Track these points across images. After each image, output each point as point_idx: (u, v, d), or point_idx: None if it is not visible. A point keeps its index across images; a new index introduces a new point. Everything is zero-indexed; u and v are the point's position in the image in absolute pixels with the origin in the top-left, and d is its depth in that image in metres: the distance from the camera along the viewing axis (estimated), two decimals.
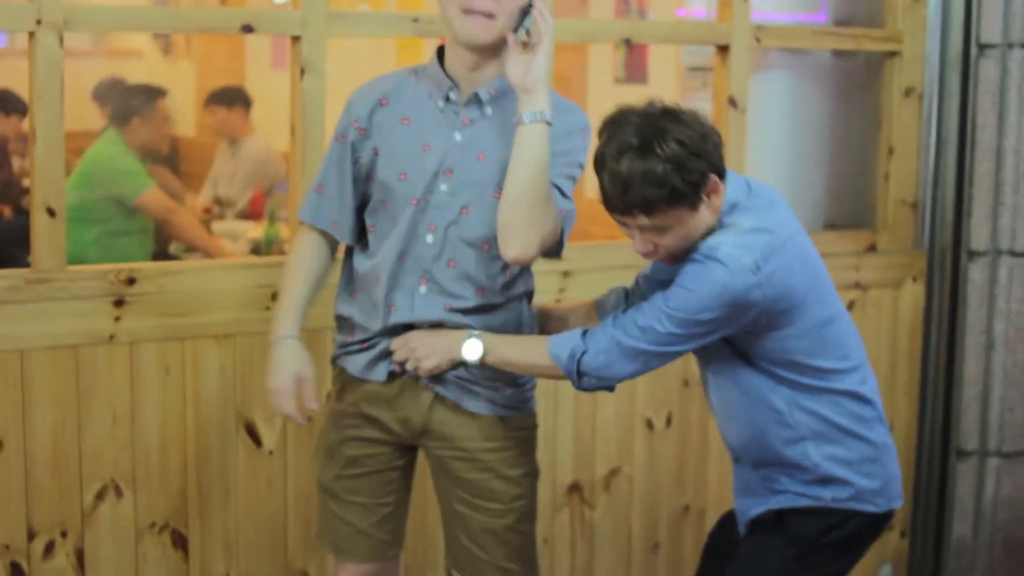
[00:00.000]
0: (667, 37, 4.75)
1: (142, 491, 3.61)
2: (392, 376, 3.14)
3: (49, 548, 3.53)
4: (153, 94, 6.03)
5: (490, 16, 2.94)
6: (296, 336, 3.16)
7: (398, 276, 3.07)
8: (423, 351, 3.05)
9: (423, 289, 3.07)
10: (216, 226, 6.74)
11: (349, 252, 3.22)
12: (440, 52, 3.10)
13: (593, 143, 3.00)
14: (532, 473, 3.25)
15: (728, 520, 3.32)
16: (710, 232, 2.93)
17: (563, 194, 2.98)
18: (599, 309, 3.30)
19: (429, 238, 3.05)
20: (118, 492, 3.59)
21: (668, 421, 4.36)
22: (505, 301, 3.12)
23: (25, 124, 6.26)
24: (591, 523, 4.27)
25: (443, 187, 3.04)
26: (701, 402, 4.35)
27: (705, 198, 2.88)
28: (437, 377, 3.10)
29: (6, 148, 7.14)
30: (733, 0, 4.28)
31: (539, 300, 3.35)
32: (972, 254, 4.67)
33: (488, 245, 3.03)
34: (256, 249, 6.18)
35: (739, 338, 2.96)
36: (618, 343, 2.94)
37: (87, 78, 7.38)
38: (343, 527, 3.27)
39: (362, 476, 3.22)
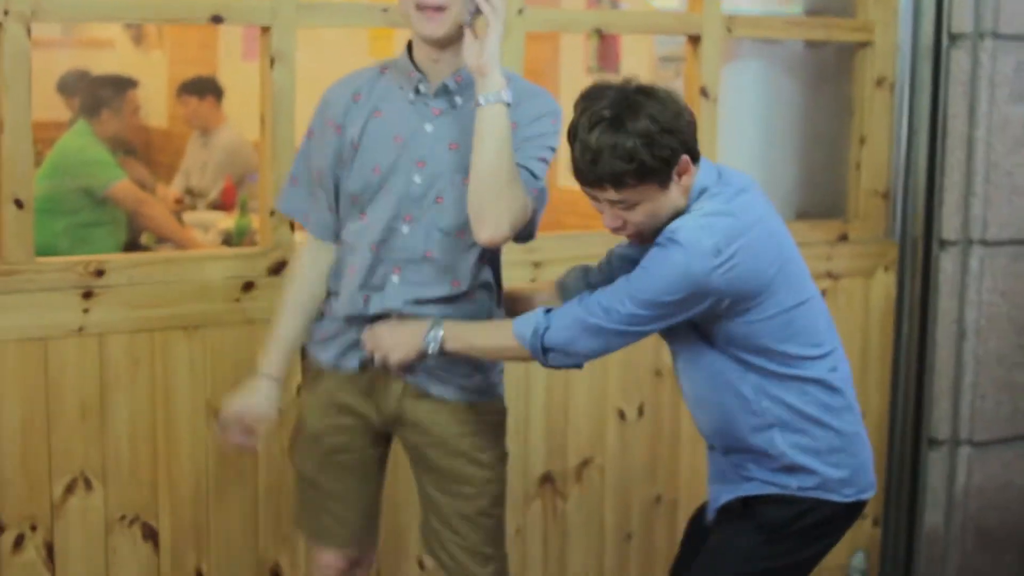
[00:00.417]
0: (639, 27, 4.75)
1: (112, 484, 3.60)
2: (363, 366, 3.15)
3: (18, 542, 3.51)
4: (123, 85, 6.00)
5: (440, 9, 2.98)
6: (272, 376, 3.22)
7: (374, 267, 3.09)
8: (388, 345, 3.07)
9: (395, 279, 3.08)
10: (188, 217, 6.71)
11: None
12: (410, 46, 3.11)
13: (567, 121, 3.00)
14: (502, 458, 3.27)
15: (704, 509, 3.32)
16: (678, 215, 2.94)
17: (533, 175, 2.99)
18: (560, 289, 3.31)
19: (405, 229, 3.06)
20: (88, 485, 3.57)
21: (640, 411, 4.36)
22: (475, 289, 3.12)
23: None
24: (563, 514, 4.27)
25: (416, 179, 3.05)
26: (673, 392, 4.35)
27: (676, 177, 2.89)
28: (407, 367, 3.11)
29: None
30: None
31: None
32: (943, 243, 4.68)
33: (463, 233, 3.04)
34: (228, 240, 6.16)
35: (708, 323, 2.97)
36: (581, 320, 2.94)
37: (58, 68, 7.34)
38: (324, 515, 3.28)
39: (342, 465, 3.25)
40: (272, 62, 3.68)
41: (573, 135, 2.89)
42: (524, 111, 3.01)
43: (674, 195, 2.91)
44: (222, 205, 7.02)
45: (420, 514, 3.30)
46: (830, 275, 4.64)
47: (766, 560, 3.09)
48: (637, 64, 6.24)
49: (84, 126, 5.73)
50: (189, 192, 7.27)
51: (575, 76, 6.58)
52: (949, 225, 4.66)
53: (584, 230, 4.20)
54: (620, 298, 2.91)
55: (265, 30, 3.68)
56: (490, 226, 2.91)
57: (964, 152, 4.63)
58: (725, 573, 3.10)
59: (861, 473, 3.12)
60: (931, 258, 4.72)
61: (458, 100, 3.07)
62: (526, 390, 4.09)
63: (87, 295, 3.51)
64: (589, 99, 2.90)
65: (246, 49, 8.68)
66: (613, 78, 2.95)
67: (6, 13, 3.35)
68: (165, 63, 9.36)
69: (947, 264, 4.68)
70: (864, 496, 3.12)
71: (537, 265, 4.07)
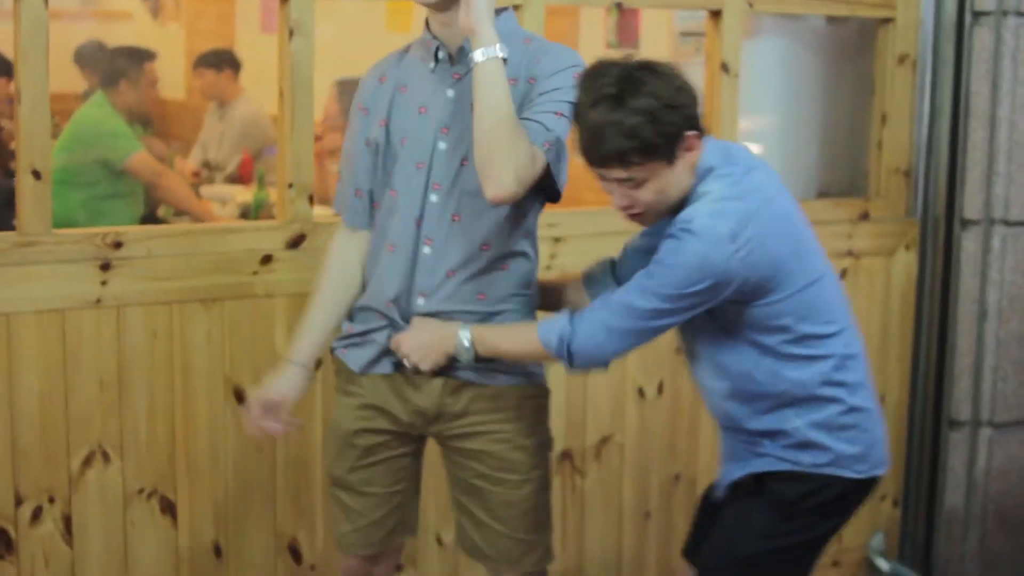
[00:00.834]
0: (660, 1, 4.72)
1: (130, 457, 3.59)
2: (397, 366, 3.14)
3: (36, 514, 3.50)
4: (141, 56, 5.99)
5: None
6: (297, 362, 3.21)
7: (405, 241, 3.06)
8: (418, 355, 3.05)
9: (427, 250, 3.05)
10: (205, 190, 6.70)
11: None
12: (428, 21, 3.10)
13: None
14: (547, 443, 3.25)
15: (714, 489, 3.31)
16: (685, 200, 2.92)
17: (545, 127, 2.93)
18: (587, 281, 3.28)
19: (434, 198, 3.04)
20: (106, 458, 3.56)
21: (660, 389, 4.34)
22: (508, 257, 3.08)
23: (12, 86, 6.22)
24: (582, 491, 4.26)
25: (442, 145, 3.04)
26: None
27: (682, 153, 2.87)
28: (439, 371, 3.10)
29: None
30: None
31: None
32: (965, 223, 4.65)
33: None
34: (245, 213, 6.14)
35: (724, 309, 2.94)
36: (604, 323, 2.92)
37: (76, 40, 7.32)
38: (356, 519, 3.25)
39: (375, 465, 3.21)
40: (291, 34, 3.66)
41: (576, 116, 2.87)
42: (543, 66, 2.98)
43: (681, 172, 2.89)
44: (239, 178, 7.00)
45: (457, 515, 3.24)
46: (851, 254, 4.61)
47: (780, 537, 3.07)
48: (657, 39, 6.21)
49: (102, 98, 5.71)
50: (206, 165, 7.26)
51: (595, 51, 6.54)
52: (971, 204, 4.63)
53: (603, 206, 4.17)
54: (642, 294, 2.88)
55: (284, 1, 3.65)
56: (494, 181, 2.85)
57: (987, 130, 4.60)
58: (739, 550, 3.08)
59: (874, 449, 3.10)
60: (952, 237, 4.69)
61: None
62: (545, 367, 4.06)
63: (105, 267, 3.49)
64: (591, 78, 2.87)
65: (264, 21, 8.67)
66: (615, 56, 2.92)
67: None
68: (182, 35, 9.33)
69: (969, 243, 4.65)
70: (877, 472, 3.11)
71: (557, 240, 4.05)
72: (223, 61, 7.55)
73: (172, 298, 3.59)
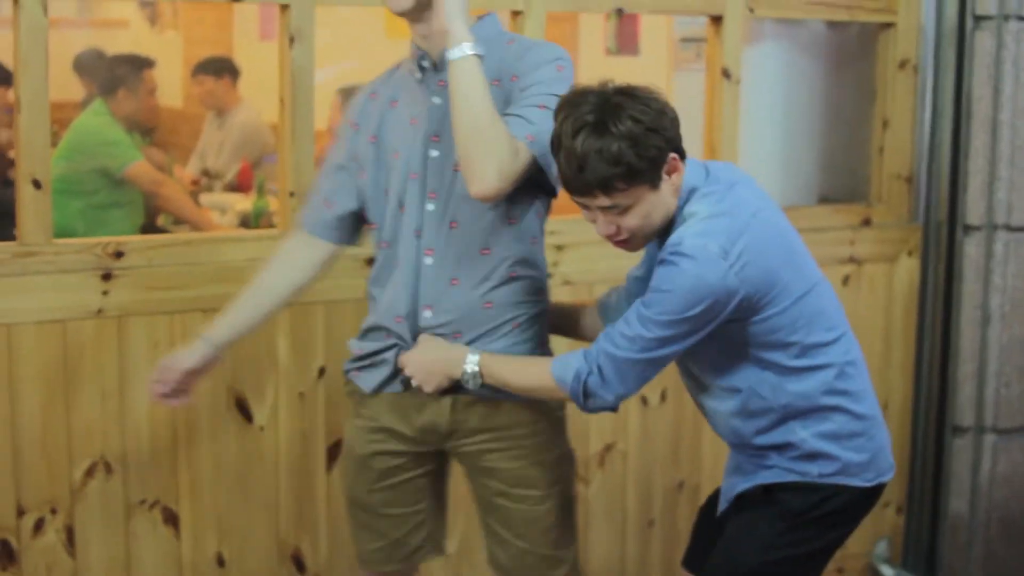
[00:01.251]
0: (660, 7, 4.70)
1: (132, 468, 3.57)
2: (407, 384, 3.11)
3: (39, 525, 3.48)
4: (140, 64, 5.97)
5: None
6: (207, 338, 3.20)
7: (407, 254, 3.04)
8: (420, 377, 3.04)
9: (429, 261, 3.03)
10: (204, 198, 6.69)
11: None
12: None
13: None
14: (566, 456, 3.21)
15: (717, 496, 3.28)
16: (671, 223, 2.89)
17: (528, 121, 2.91)
18: (601, 309, 3.25)
19: (431, 206, 3.02)
20: (108, 469, 3.54)
21: (663, 397, 4.33)
22: (511, 264, 3.05)
23: (10, 94, 6.21)
24: (586, 499, 4.24)
25: (434, 153, 3.02)
26: None
27: (666, 176, 2.84)
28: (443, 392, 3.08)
29: None
30: None
31: None
32: (968, 228, 4.64)
33: None
34: (245, 222, 6.13)
35: (723, 329, 2.90)
36: (611, 357, 2.88)
37: (73, 48, 7.31)
38: (378, 540, 3.23)
39: (393, 487, 3.18)
40: (291, 41, 3.65)
41: (557, 145, 2.83)
42: (525, 63, 2.97)
43: (665, 195, 2.86)
44: (238, 187, 6.99)
45: (485, 533, 3.20)
46: (853, 260, 4.60)
47: (788, 547, 3.05)
48: (656, 45, 6.20)
49: (101, 106, 5.70)
50: (205, 173, 7.24)
51: (594, 58, 6.55)
52: (973, 209, 4.62)
53: None
54: (642, 323, 2.85)
55: (284, 8, 3.65)
56: (477, 178, 2.83)
57: (988, 135, 4.59)
58: (747, 561, 3.06)
59: (880, 455, 3.08)
60: (955, 243, 4.68)
61: None
62: None
63: (106, 277, 3.48)
64: (570, 106, 2.83)
65: (263, 29, 8.66)
66: (591, 83, 2.88)
67: None
68: (180, 43, 9.33)
69: (971, 249, 4.64)
70: (884, 479, 3.09)
71: (559, 248, 4.03)
72: (222, 68, 7.54)
73: (174, 308, 3.57)
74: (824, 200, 4.82)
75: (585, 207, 2.88)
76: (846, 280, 4.55)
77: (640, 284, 3.12)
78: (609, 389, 2.91)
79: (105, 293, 3.48)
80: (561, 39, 6.42)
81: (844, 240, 4.57)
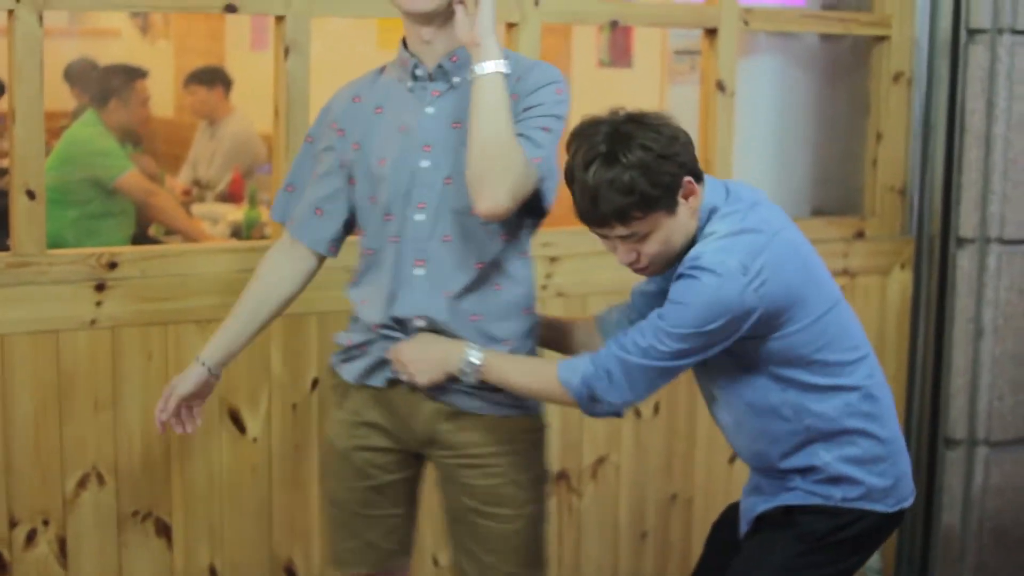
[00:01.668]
0: (655, 20, 4.70)
1: (124, 479, 3.56)
2: (391, 382, 3.09)
3: (31, 537, 3.47)
4: (133, 74, 5.96)
5: None
6: (201, 361, 3.18)
7: (396, 263, 3.02)
8: (417, 366, 2.99)
9: (420, 272, 3.00)
10: (196, 209, 6.68)
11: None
12: (405, 40, 3.07)
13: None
14: (542, 477, 3.18)
15: (732, 512, 3.26)
16: (691, 242, 2.89)
17: (535, 144, 2.90)
18: (600, 324, 3.22)
19: (420, 216, 2.99)
20: (100, 480, 3.53)
21: (656, 409, 4.32)
22: (502, 278, 3.04)
23: (4, 104, 6.20)
24: (578, 511, 4.24)
25: (425, 163, 2.99)
26: (689, 390, 4.31)
27: (682, 200, 2.84)
28: (435, 388, 3.04)
29: None
30: None
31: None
32: (961, 241, 4.64)
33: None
34: (237, 232, 6.12)
35: (743, 346, 2.90)
36: (624, 365, 2.87)
37: (64, 58, 7.30)
38: (352, 540, 3.21)
39: (373, 487, 3.16)
40: (286, 52, 3.64)
41: (570, 177, 2.83)
42: (525, 83, 2.94)
43: (683, 219, 2.86)
44: (230, 197, 6.98)
45: (451, 540, 3.19)
46: (846, 272, 4.60)
47: (806, 570, 3.02)
48: (650, 58, 6.20)
49: (93, 116, 5.69)
50: (197, 183, 7.24)
51: (587, 70, 6.55)
52: (966, 223, 4.63)
53: None
54: (657, 336, 2.83)
55: (279, 19, 3.64)
56: (488, 196, 2.81)
57: (982, 149, 4.59)
58: None
59: (903, 481, 3.07)
60: (948, 256, 4.69)
61: (456, 79, 3.01)
62: None
63: (100, 288, 3.47)
64: (581, 137, 2.84)
65: (255, 39, 8.66)
66: (601, 112, 2.88)
67: (18, 0, 3.31)
68: (171, 53, 9.32)
69: (964, 262, 4.64)
70: (905, 504, 3.07)
71: (553, 260, 4.03)
72: (215, 78, 7.53)
73: (167, 319, 3.56)
74: (817, 212, 4.83)
75: (604, 236, 2.87)
76: None
77: (646, 299, 3.10)
78: (617, 394, 2.89)
79: (98, 304, 3.47)
80: (554, 51, 6.43)
81: (837, 252, 4.57)
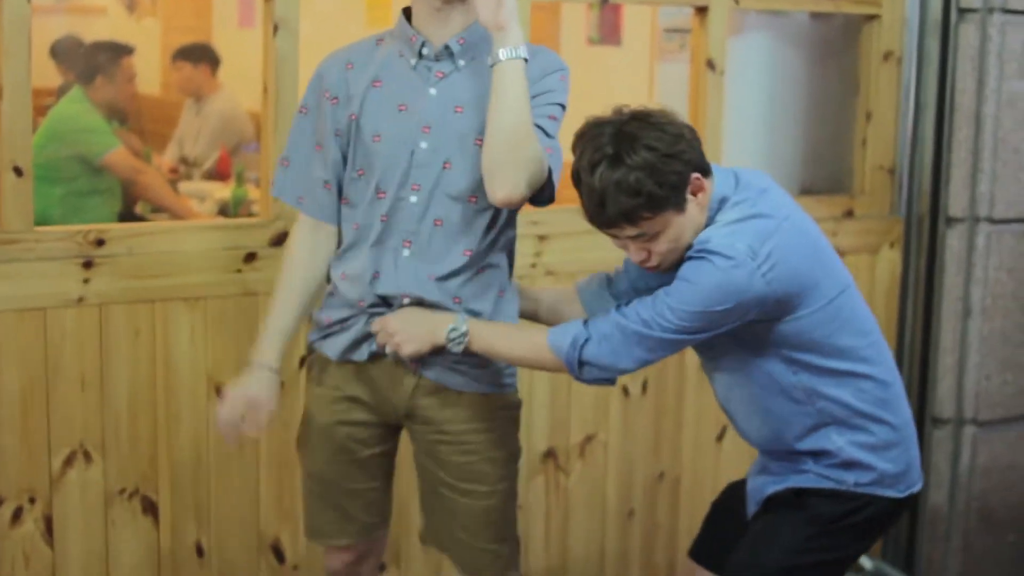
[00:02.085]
0: None
1: (111, 457, 3.55)
2: (373, 356, 3.08)
3: (17, 514, 3.46)
4: (119, 51, 5.94)
5: None
6: (273, 368, 3.11)
7: (383, 240, 3.00)
8: (402, 336, 2.97)
9: (406, 252, 2.99)
10: (183, 186, 6.66)
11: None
12: (407, 13, 3.04)
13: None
14: (515, 454, 3.20)
15: (734, 491, 3.26)
16: (701, 231, 2.88)
17: (547, 134, 2.90)
18: (581, 294, 3.22)
19: (413, 198, 2.98)
20: (87, 457, 3.52)
21: (644, 388, 4.32)
22: (486, 266, 3.04)
23: None
24: (566, 490, 4.23)
25: (423, 144, 2.97)
26: (677, 369, 4.32)
27: (691, 197, 2.83)
28: (419, 360, 3.03)
29: None
30: None
31: (516, 264, 3.28)
32: (950, 221, 4.64)
33: (475, 198, 2.96)
34: (224, 210, 6.10)
35: (753, 330, 2.89)
36: (622, 329, 2.86)
37: (50, 35, 7.27)
38: (331, 512, 3.22)
39: (354, 461, 3.16)
40: (275, 29, 3.62)
41: (577, 180, 2.83)
42: (531, 70, 2.91)
43: (693, 215, 2.85)
44: (217, 175, 6.96)
45: (423, 506, 3.21)
46: (835, 251, 4.58)
47: (815, 553, 3.03)
48: (639, 36, 6.19)
49: (79, 93, 5.67)
50: (184, 161, 7.21)
51: (576, 48, 6.53)
52: (956, 202, 4.62)
53: None
54: (663, 312, 2.82)
55: None
56: (507, 185, 2.81)
57: (972, 128, 4.59)
58: (772, 562, 3.03)
59: (913, 466, 3.08)
60: (937, 235, 4.68)
61: (461, 62, 2.99)
62: (517, 376, 4.03)
63: (87, 265, 3.45)
64: (585, 139, 2.83)
65: (242, 16, 8.62)
66: (605, 113, 2.87)
67: None
68: (158, 30, 9.28)
69: (953, 241, 4.64)
70: (914, 489, 3.08)
71: (542, 238, 4.02)
72: (201, 55, 7.49)
73: (155, 296, 3.55)
74: (807, 191, 4.82)
75: (614, 236, 2.87)
76: None
77: (638, 269, 3.07)
78: (609, 357, 2.88)
79: (86, 281, 3.46)
80: (542, 28, 6.42)
81: (826, 231, 4.47)
